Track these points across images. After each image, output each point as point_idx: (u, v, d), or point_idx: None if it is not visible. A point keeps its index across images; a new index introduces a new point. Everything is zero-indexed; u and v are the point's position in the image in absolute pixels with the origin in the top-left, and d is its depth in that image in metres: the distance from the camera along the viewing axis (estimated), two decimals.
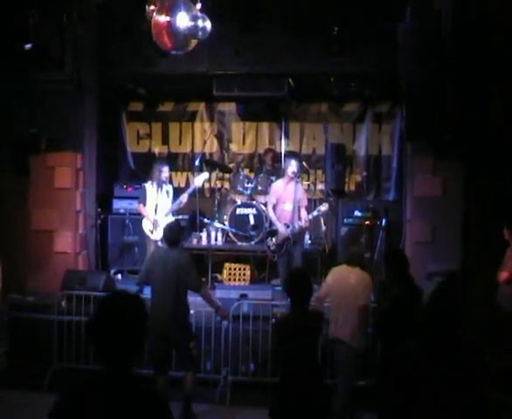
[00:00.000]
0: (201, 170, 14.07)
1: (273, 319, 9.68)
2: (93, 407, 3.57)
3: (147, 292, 8.83)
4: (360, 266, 8.45)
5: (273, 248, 11.74)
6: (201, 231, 13.33)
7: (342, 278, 8.34)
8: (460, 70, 9.12)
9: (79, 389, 3.71)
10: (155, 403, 3.63)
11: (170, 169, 12.47)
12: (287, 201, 11.57)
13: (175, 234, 8.90)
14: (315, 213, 11.60)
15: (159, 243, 11.49)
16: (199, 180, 12.09)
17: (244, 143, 15.26)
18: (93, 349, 9.91)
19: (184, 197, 11.80)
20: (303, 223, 11.45)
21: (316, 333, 6.95)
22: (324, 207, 11.54)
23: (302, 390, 6.54)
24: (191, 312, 9.21)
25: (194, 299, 9.54)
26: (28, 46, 8.30)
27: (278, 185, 11.95)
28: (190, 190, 11.97)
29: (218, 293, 10.97)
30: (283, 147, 14.86)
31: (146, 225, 11.69)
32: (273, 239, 11.69)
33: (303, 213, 11.57)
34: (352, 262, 8.47)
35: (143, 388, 3.67)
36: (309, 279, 7.08)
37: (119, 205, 13.60)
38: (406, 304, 7.04)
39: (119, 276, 12.89)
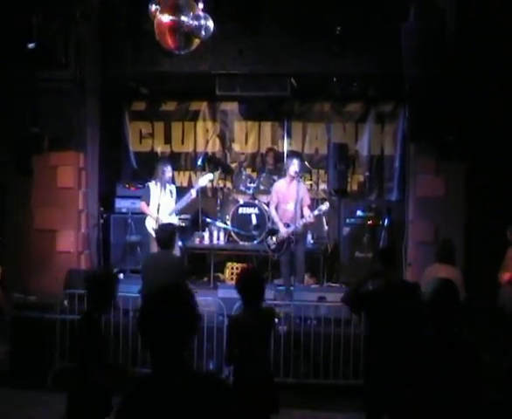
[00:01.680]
0: (203, 170, 14.11)
1: (275, 319, 9.68)
2: (157, 408, 3.50)
3: None
4: (451, 263, 9.00)
5: (273, 247, 11.72)
6: (203, 231, 13.35)
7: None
8: (463, 71, 9.13)
9: (139, 391, 3.65)
10: (222, 394, 3.58)
11: (173, 169, 12.45)
12: (290, 200, 11.53)
13: (167, 235, 8.89)
14: (316, 212, 11.57)
15: None
16: (204, 180, 12.04)
17: (246, 143, 15.27)
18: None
19: (193, 193, 11.72)
20: (306, 220, 11.41)
21: (269, 331, 6.99)
22: (325, 206, 11.50)
23: (256, 388, 6.55)
24: None
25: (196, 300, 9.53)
26: (31, 45, 8.33)
27: (279, 185, 11.93)
28: (195, 189, 11.92)
29: (220, 293, 10.93)
30: (285, 146, 14.84)
31: (149, 224, 11.67)
32: (274, 238, 11.67)
33: (306, 211, 11.51)
34: (443, 260, 9.03)
35: (209, 382, 3.62)
36: (261, 279, 7.10)
37: (121, 204, 13.60)
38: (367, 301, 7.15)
39: (121, 275, 12.84)
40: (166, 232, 9.00)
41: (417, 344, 4.91)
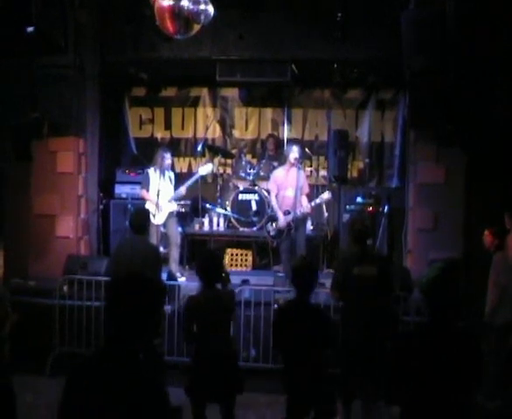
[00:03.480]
0: (203, 156, 14.13)
1: (275, 305, 9.72)
2: (96, 387, 3.60)
3: None
4: None
5: (272, 233, 11.73)
6: (203, 217, 13.35)
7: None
8: (464, 58, 9.10)
9: (82, 369, 3.74)
10: (153, 389, 3.62)
11: (173, 155, 12.45)
12: (289, 187, 11.53)
13: (140, 220, 8.85)
14: (318, 200, 11.55)
15: (161, 229, 11.52)
16: (204, 170, 12.05)
17: (246, 129, 15.25)
18: (95, 333, 10.03)
19: (183, 190, 11.77)
20: (304, 210, 11.42)
21: (228, 312, 7.04)
22: (326, 195, 11.49)
23: (216, 368, 6.67)
24: None
25: (195, 285, 9.53)
26: (30, 29, 8.28)
27: (278, 172, 11.92)
28: (192, 180, 11.95)
29: None
30: (286, 133, 14.83)
31: (149, 209, 11.68)
32: (273, 224, 11.68)
33: (304, 201, 11.53)
34: None
35: (143, 372, 3.67)
36: (219, 260, 7.33)
37: (121, 190, 13.56)
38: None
39: None
40: (140, 217, 8.97)
41: (406, 331, 4.93)
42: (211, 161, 13.81)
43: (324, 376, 6.76)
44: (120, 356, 3.64)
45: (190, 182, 11.87)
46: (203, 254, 7.80)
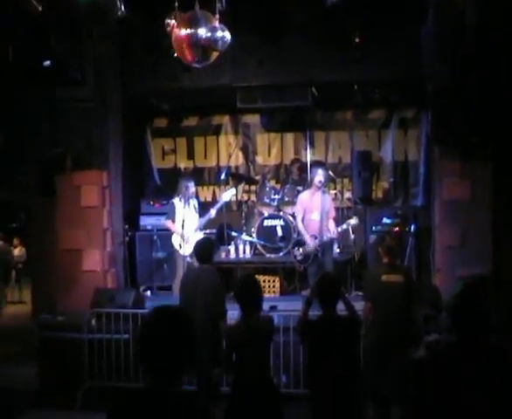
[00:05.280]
0: (227, 184, 14.11)
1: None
2: None
3: None
4: None
5: (299, 258, 11.70)
6: (229, 244, 13.28)
7: None
8: (485, 70, 9.04)
9: (123, 404, 3.70)
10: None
11: (196, 184, 12.46)
12: (315, 211, 11.52)
13: (206, 250, 8.77)
14: (345, 226, 11.55)
15: (188, 259, 11.49)
16: (227, 195, 12.08)
17: (269, 154, 15.24)
18: (124, 366, 10.00)
19: (213, 212, 11.81)
20: (331, 235, 11.41)
21: (269, 340, 7.00)
22: (354, 220, 11.48)
23: (255, 398, 6.64)
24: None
25: (232, 313, 9.52)
26: (47, 63, 8.32)
27: (304, 196, 11.92)
28: (218, 206, 11.97)
29: None
30: (309, 156, 14.77)
31: (175, 240, 11.69)
32: (300, 249, 11.65)
33: (331, 225, 11.51)
34: None
35: (191, 404, 3.62)
36: (258, 286, 7.13)
37: (146, 222, 13.59)
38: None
39: (148, 292, 12.87)
40: (205, 247, 8.87)
41: (435, 351, 4.83)
42: (235, 188, 13.77)
43: None
44: (162, 391, 3.59)
45: (215, 209, 11.87)
46: (242, 280, 7.67)
